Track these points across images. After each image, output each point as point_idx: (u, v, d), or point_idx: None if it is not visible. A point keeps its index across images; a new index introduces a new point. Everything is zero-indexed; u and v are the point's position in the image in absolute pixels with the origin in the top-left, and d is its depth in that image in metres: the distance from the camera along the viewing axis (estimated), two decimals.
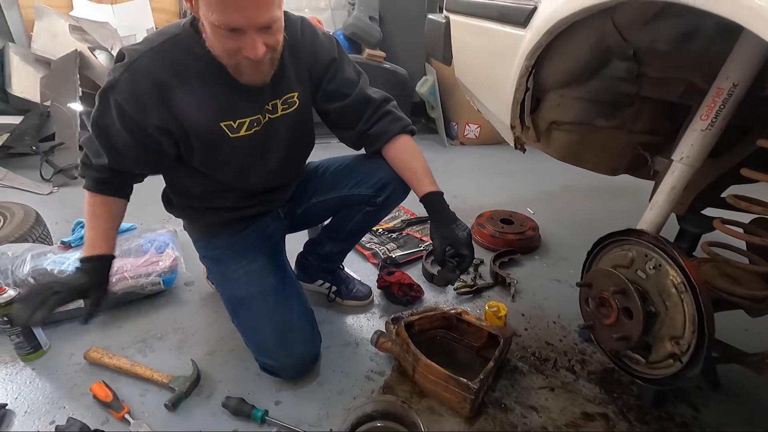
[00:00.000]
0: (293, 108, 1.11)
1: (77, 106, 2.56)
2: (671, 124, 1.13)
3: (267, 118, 1.08)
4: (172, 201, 1.24)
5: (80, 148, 1.12)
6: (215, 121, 1.01)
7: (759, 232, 0.96)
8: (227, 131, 1.03)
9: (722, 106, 0.89)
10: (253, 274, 1.14)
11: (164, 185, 1.24)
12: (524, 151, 1.34)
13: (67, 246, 1.50)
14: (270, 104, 1.07)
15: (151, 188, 1.24)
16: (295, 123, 1.13)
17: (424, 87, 3.19)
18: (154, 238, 1.60)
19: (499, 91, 1.19)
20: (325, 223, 1.43)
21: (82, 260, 1.07)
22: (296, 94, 1.10)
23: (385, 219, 2.02)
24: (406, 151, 1.17)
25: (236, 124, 1.03)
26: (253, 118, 1.05)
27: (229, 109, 1.02)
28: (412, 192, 1.21)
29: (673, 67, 0.99)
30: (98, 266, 1.08)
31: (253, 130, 1.06)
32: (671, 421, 1.10)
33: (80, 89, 2.61)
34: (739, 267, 0.97)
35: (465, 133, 3.34)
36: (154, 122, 0.97)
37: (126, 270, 1.44)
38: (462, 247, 1.08)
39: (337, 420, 1.07)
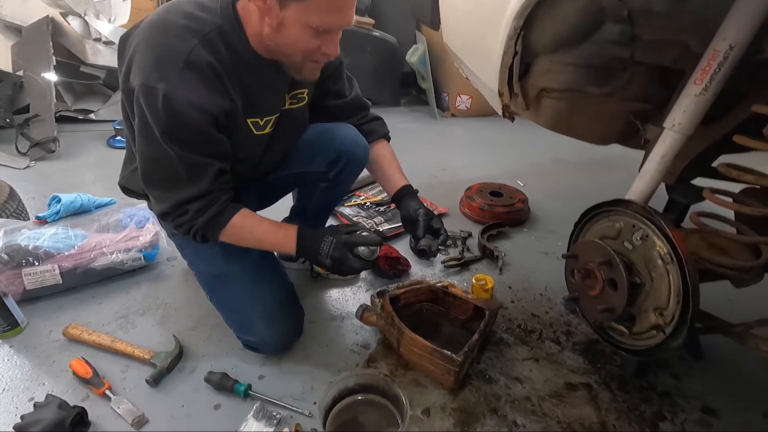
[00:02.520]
0: (302, 104, 1.14)
1: (51, 76, 2.45)
2: (664, 90, 1.09)
3: (281, 112, 1.08)
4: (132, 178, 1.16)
5: (164, 216, 1.00)
6: (244, 117, 0.99)
7: (748, 202, 0.94)
8: (252, 128, 1.02)
9: (717, 70, 0.85)
10: (228, 250, 1.09)
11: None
12: (513, 120, 1.30)
13: (42, 221, 1.45)
14: (285, 99, 1.08)
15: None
16: (299, 118, 1.17)
17: (414, 56, 3.09)
18: (134, 213, 1.55)
19: (487, 56, 1.13)
20: (293, 206, 1.45)
21: (300, 249, 1.04)
22: (306, 91, 1.13)
23: (371, 192, 2.00)
24: (388, 152, 1.28)
25: (263, 121, 1.04)
26: (277, 115, 1.07)
27: (258, 107, 1.01)
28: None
29: (668, 29, 0.94)
30: (317, 231, 1.06)
31: (272, 126, 1.07)
32: (653, 390, 1.11)
33: (54, 58, 2.49)
34: (727, 237, 0.96)
35: (456, 105, 3.27)
36: (224, 106, 0.91)
37: (104, 246, 1.40)
38: (435, 218, 1.15)
39: (321, 394, 1.06)
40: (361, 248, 1.03)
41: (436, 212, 1.87)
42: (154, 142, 0.89)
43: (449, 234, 1.66)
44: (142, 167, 0.96)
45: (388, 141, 1.32)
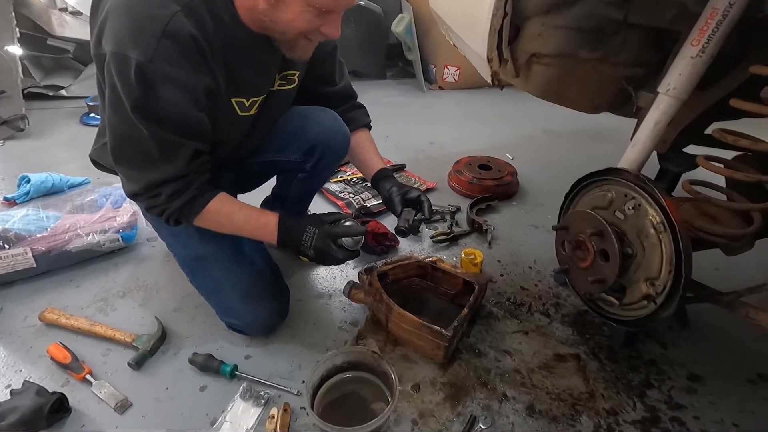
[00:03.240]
0: (291, 86, 1.08)
1: (16, 50, 2.31)
2: (658, 54, 1.05)
3: (268, 93, 1.02)
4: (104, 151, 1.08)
5: (134, 197, 0.94)
6: (227, 96, 0.92)
7: (741, 168, 0.92)
8: (237, 109, 0.96)
9: (716, 29, 0.81)
10: (204, 231, 1.03)
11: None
12: (502, 88, 1.25)
13: (11, 202, 1.39)
14: (275, 79, 1.02)
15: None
16: (286, 101, 1.12)
17: (399, 26, 2.98)
18: (110, 192, 1.49)
19: (475, 19, 1.08)
20: (274, 187, 1.40)
21: (282, 239, 1.00)
22: (298, 73, 1.08)
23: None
24: (366, 139, 1.25)
25: (248, 102, 0.98)
26: (264, 96, 1.01)
27: (244, 86, 0.95)
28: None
29: None
30: (300, 220, 1.02)
31: (257, 107, 1.02)
32: (640, 359, 1.11)
33: (17, 30, 2.34)
34: (718, 205, 0.94)
35: (444, 77, 3.19)
36: (205, 83, 0.84)
37: (79, 227, 1.34)
38: (411, 189, 1.12)
39: (309, 372, 1.05)
40: (345, 238, 1.01)
41: (423, 187, 1.86)
42: (124, 116, 0.81)
43: (436, 208, 1.65)
44: (112, 143, 0.88)
45: (369, 130, 1.28)
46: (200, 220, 0.96)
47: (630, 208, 0.94)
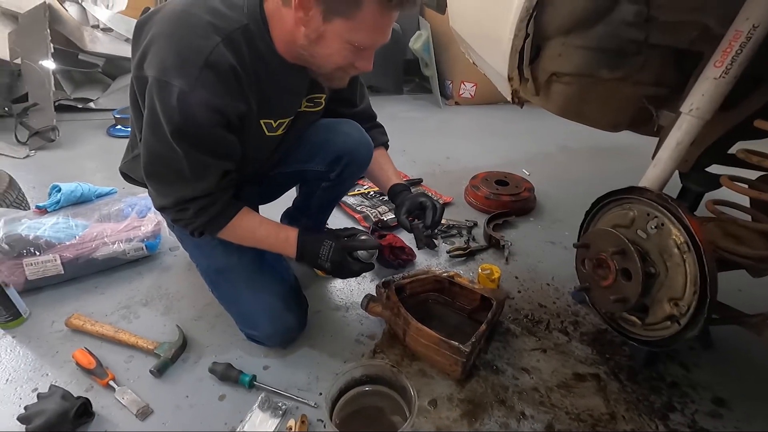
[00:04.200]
0: (318, 108, 1.13)
1: (50, 64, 2.42)
2: (679, 74, 1.05)
3: (296, 114, 1.06)
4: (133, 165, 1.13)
5: (162, 210, 0.99)
6: (257, 118, 0.97)
7: (766, 189, 0.91)
8: (265, 129, 1.00)
9: (739, 51, 0.81)
10: (227, 243, 1.07)
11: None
12: (522, 106, 1.26)
13: (42, 211, 1.43)
14: (302, 102, 1.07)
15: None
16: (312, 122, 1.16)
17: (417, 43, 3.03)
18: (135, 202, 1.53)
19: (496, 39, 1.10)
20: (295, 198, 1.44)
21: (300, 253, 1.06)
22: (324, 96, 1.11)
23: None
24: (382, 156, 1.29)
25: (276, 123, 1.02)
26: (291, 118, 1.05)
27: (274, 109, 0.99)
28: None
29: (687, 9, 0.91)
30: (317, 235, 1.07)
31: (284, 128, 1.05)
32: (662, 381, 1.09)
33: (51, 45, 2.46)
34: (743, 225, 0.93)
35: (460, 93, 3.22)
36: (240, 109, 0.89)
37: (106, 235, 1.38)
38: (417, 197, 1.15)
39: (326, 384, 1.05)
40: (360, 252, 1.06)
41: (441, 201, 1.87)
42: (162, 138, 0.85)
43: (453, 223, 1.66)
44: (146, 159, 0.92)
45: (387, 148, 1.32)
46: (224, 233, 1.01)
47: (653, 227, 0.94)
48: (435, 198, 1.88)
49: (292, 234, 1.05)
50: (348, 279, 1.42)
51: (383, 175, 1.26)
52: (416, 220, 1.16)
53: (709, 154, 1.10)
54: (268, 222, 1.06)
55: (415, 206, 1.15)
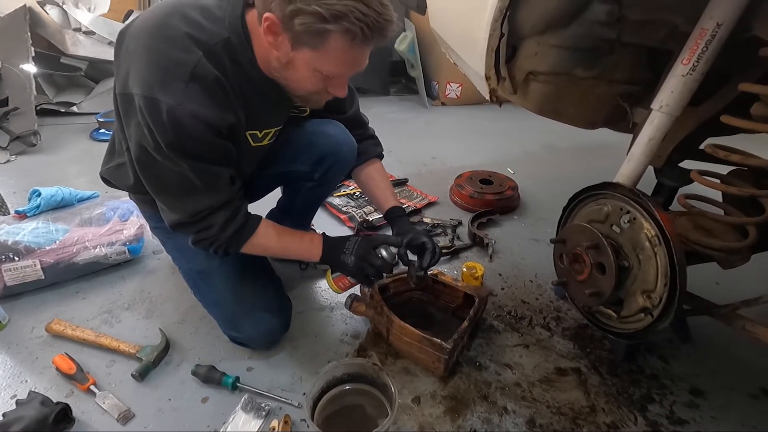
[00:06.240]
0: (303, 115, 1.14)
1: (30, 68, 2.39)
2: (651, 72, 1.08)
3: (282, 126, 1.07)
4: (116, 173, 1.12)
5: (178, 226, 0.95)
6: (244, 130, 0.96)
7: (735, 183, 0.94)
8: (250, 140, 1.00)
9: (705, 49, 0.84)
10: None
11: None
12: (500, 105, 1.28)
13: (22, 216, 1.42)
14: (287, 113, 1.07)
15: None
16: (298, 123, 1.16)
17: (403, 44, 3.05)
18: (117, 206, 1.52)
19: (473, 39, 1.11)
20: (280, 199, 1.44)
21: (326, 253, 1.08)
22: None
23: None
24: (378, 172, 1.27)
25: (261, 134, 1.02)
26: (278, 128, 1.06)
27: (259, 121, 0.98)
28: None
29: (656, 9, 0.93)
30: (340, 239, 1.09)
31: (270, 138, 1.06)
32: (642, 374, 1.11)
33: (32, 49, 2.43)
34: (714, 219, 0.95)
35: (446, 93, 3.24)
36: (229, 120, 0.87)
37: (87, 240, 1.37)
38: (421, 235, 1.13)
39: (309, 384, 1.05)
40: (383, 251, 1.07)
41: (426, 200, 1.88)
42: (162, 154, 0.84)
43: (438, 222, 1.67)
44: (151, 180, 0.91)
45: (381, 159, 1.30)
46: (248, 246, 1.00)
47: (626, 221, 0.96)
48: (420, 198, 1.90)
49: (315, 236, 1.09)
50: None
51: (380, 194, 1.24)
52: (412, 256, 1.15)
53: (681, 150, 1.13)
54: (284, 228, 1.07)
55: (417, 245, 1.13)
